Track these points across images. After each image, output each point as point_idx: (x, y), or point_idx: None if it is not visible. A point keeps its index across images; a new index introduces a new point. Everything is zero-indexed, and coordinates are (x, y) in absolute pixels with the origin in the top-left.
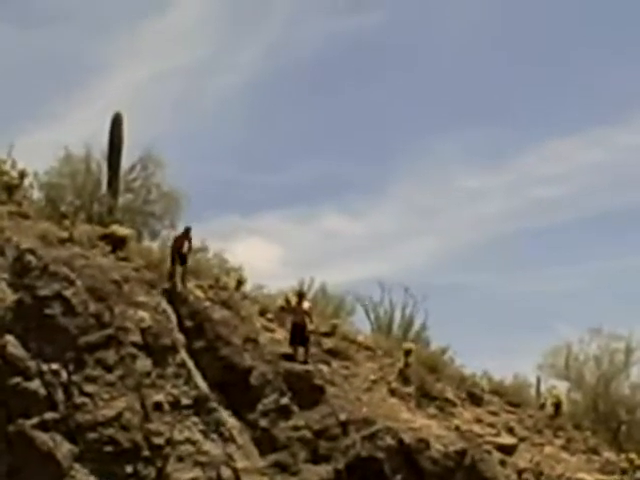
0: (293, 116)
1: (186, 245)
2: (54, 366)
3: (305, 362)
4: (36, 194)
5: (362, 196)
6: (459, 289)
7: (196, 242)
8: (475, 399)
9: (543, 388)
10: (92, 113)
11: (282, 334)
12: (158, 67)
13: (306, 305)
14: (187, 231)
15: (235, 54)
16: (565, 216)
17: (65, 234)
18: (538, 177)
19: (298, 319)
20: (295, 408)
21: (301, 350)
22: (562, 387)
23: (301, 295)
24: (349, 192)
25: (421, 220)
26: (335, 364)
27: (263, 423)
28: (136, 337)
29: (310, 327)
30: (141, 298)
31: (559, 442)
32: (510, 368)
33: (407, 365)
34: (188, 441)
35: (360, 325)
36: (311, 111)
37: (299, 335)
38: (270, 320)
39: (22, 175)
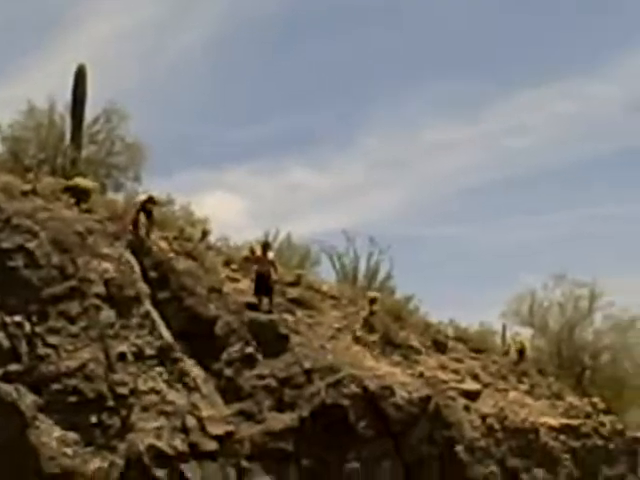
0: (259, 71)
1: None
2: (17, 318)
3: (269, 311)
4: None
5: (329, 149)
6: (425, 241)
7: (162, 195)
8: (439, 346)
9: (508, 335)
10: (57, 68)
11: (247, 284)
12: (123, 22)
13: (270, 255)
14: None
15: (202, 8)
16: (532, 167)
17: (28, 187)
18: (506, 128)
19: (262, 269)
20: (260, 357)
21: (265, 300)
22: (526, 334)
23: (265, 245)
24: (316, 145)
25: (388, 173)
26: (300, 313)
27: (228, 372)
28: (100, 288)
29: (274, 277)
30: (105, 250)
31: (523, 387)
32: (476, 318)
33: (372, 313)
34: (152, 391)
35: (325, 275)
36: (277, 66)
37: (263, 285)
38: (235, 270)
39: None
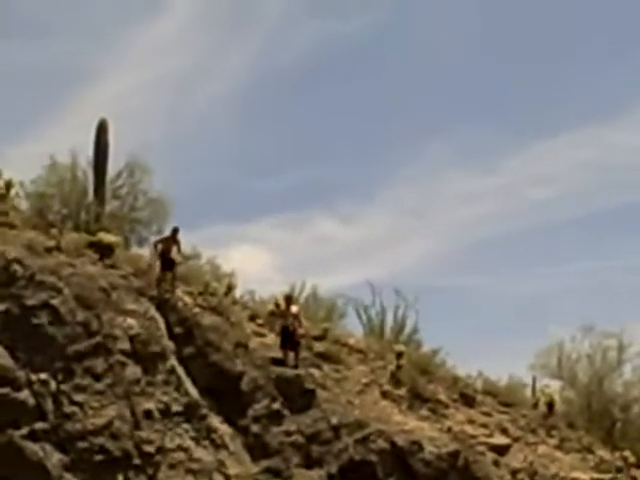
0: (282, 122)
1: (174, 249)
2: (43, 376)
3: (296, 366)
4: (23, 204)
5: (352, 200)
6: (450, 291)
7: (187, 249)
8: (468, 400)
9: (538, 388)
10: (79, 122)
11: (273, 339)
12: (147, 74)
13: (294, 309)
14: (174, 233)
15: (224, 60)
16: (555, 216)
17: (52, 243)
18: (528, 178)
19: (287, 323)
20: (287, 413)
21: (291, 354)
22: (555, 386)
23: (289, 299)
24: (339, 197)
25: (412, 223)
26: (326, 368)
27: (255, 429)
28: (125, 345)
29: (300, 331)
30: (129, 305)
31: (553, 441)
32: (504, 369)
33: (399, 367)
34: (179, 448)
35: (352, 328)
36: (300, 116)
37: (289, 339)
38: (260, 325)
39: (8, 185)
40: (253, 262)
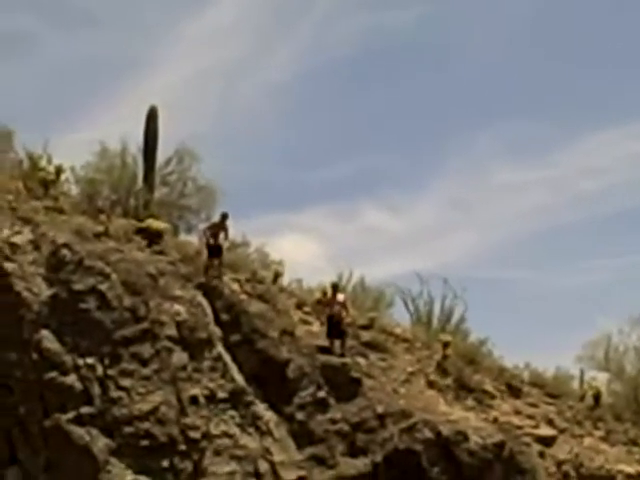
0: (332, 113)
1: (222, 235)
2: (90, 360)
3: (342, 355)
4: (74, 190)
5: (401, 191)
6: (499, 283)
7: (237, 237)
8: (514, 391)
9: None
10: (131, 110)
11: (319, 327)
12: (197, 65)
13: (341, 297)
14: (223, 218)
15: (273, 51)
16: (605, 209)
17: (101, 228)
18: (578, 171)
19: (333, 311)
20: (332, 401)
21: (338, 343)
22: (602, 378)
23: (335, 287)
24: (389, 187)
25: (461, 215)
26: (373, 356)
27: (300, 416)
28: (172, 331)
29: (347, 319)
30: (177, 292)
31: (599, 433)
32: (551, 361)
33: (445, 357)
34: (225, 435)
35: (399, 318)
36: (350, 107)
37: (335, 327)
38: (307, 313)
39: (59, 171)
40: (302, 251)
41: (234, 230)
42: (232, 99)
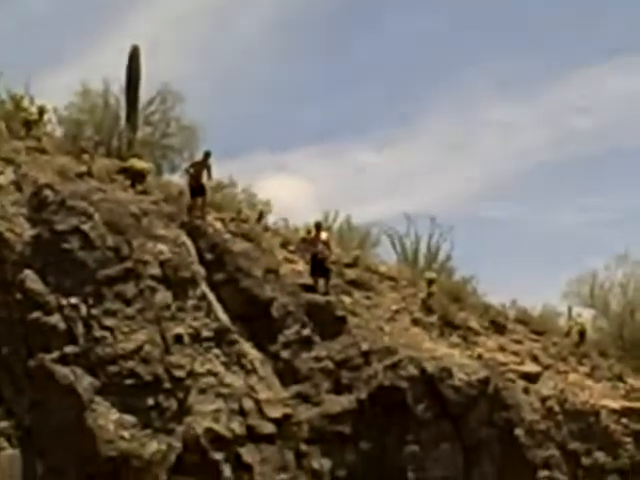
0: (321, 53)
1: (205, 174)
2: (73, 300)
3: (326, 293)
4: (57, 131)
5: (391, 131)
6: (488, 222)
7: (224, 177)
8: (499, 328)
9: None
10: (113, 51)
11: (304, 266)
12: (183, 6)
13: (324, 235)
14: (206, 156)
15: None
16: (598, 147)
17: (83, 169)
18: (570, 108)
19: (317, 250)
20: (317, 339)
21: (322, 281)
22: (588, 315)
23: (319, 226)
24: (377, 127)
25: (452, 154)
26: (357, 295)
27: (285, 354)
28: (155, 270)
29: (330, 258)
30: (160, 231)
31: (584, 369)
32: (538, 299)
33: (430, 295)
34: (209, 373)
35: (386, 257)
36: (339, 47)
37: (319, 266)
38: (292, 252)
39: (41, 111)
40: (291, 192)
41: (222, 170)
42: (220, 40)
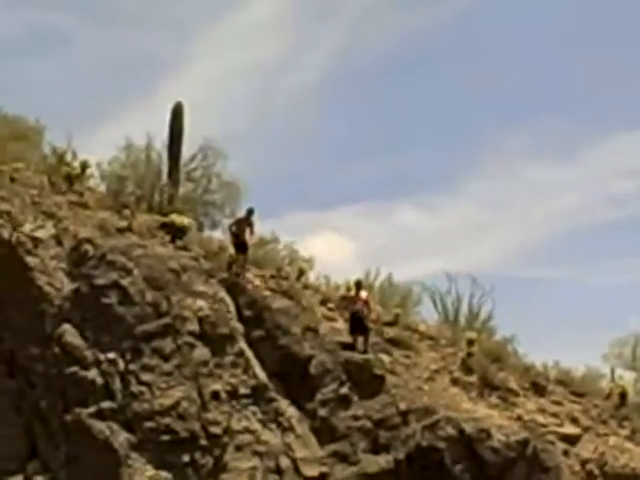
0: (365, 113)
1: (247, 231)
2: (111, 355)
3: (365, 351)
4: (101, 186)
5: (434, 191)
6: (530, 283)
7: (267, 234)
8: (539, 389)
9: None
10: (162, 107)
11: (343, 324)
12: (232, 63)
13: (364, 294)
14: (249, 214)
15: (308, 52)
16: (635, 210)
17: (124, 223)
18: (611, 170)
19: (356, 308)
20: (355, 397)
21: (361, 339)
22: (629, 377)
23: (359, 284)
24: (421, 187)
25: (494, 215)
26: (397, 353)
27: (322, 412)
28: (194, 326)
29: (370, 316)
30: (199, 287)
31: (624, 432)
32: (581, 361)
33: (470, 355)
34: (246, 430)
35: (427, 316)
36: (384, 107)
37: (358, 324)
38: (331, 310)
39: (84, 166)
40: (335, 250)
41: (265, 228)
42: (268, 98)
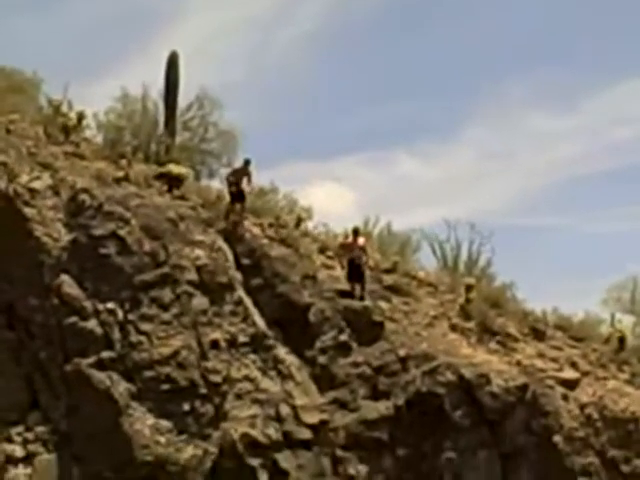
0: (362, 64)
1: (245, 180)
2: (110, 305)
3: (362, 298)
4: (97, 136)
5: (434, 139)
6: (530, 231)
7: (265, 184)
8: (538, 334)
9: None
10: (156, 59)
11: (342, 271)
12: (227, 17)
13: (361, 241)
14: (246, 164)
15: (304, 3)
16: (634, 158)
17: (121, 174)
18: (608, 119)
19: (353, 255)
20: (354, 344)
21: (358, 286)
22: (628, 321)
23: (356, 231)
24: (422, 136)
25: (493, 164)
26: (395, 300)
27: (321, 360)
28: (192, 275)
29: (367, 263)
30: (197, 236)
31: (623, 376)
32: (580, 306)
33: (468, 301)
34: (246, 379)
35: (426, 264)
36: (380, 58)
37: (355, 271)
38: (330, 257)
39: (80, 117)
40: (335, 199)
41: (265, 178)
42: (265, 49)
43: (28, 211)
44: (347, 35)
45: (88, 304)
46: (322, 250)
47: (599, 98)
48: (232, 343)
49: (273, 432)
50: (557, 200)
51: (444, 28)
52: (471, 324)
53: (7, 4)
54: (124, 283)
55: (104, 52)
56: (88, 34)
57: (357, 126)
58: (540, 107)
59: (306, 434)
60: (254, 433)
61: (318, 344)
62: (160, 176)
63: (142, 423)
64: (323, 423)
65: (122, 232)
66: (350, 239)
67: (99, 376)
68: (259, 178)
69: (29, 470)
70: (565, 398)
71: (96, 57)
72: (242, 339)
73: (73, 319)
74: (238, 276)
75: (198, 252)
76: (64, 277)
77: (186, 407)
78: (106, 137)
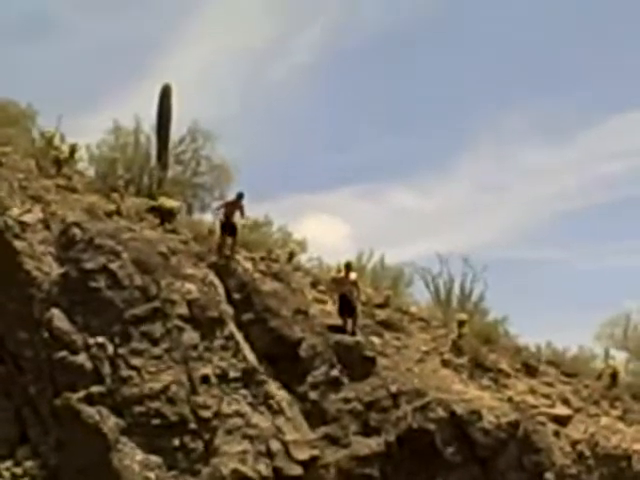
0: (358, 95)
1: (237, 214)
2: (100, 339)
3: (353, 333)
4: (89, 169)
5: (430, 172)
6: (525, 264)
7: (259, 216)
8: (530, 370)
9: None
10: (149, 91)
11: (333, 306)
12: (222, 46)
13: (353, 276)
14: (239, 198)
15: (300, 34)
16: (632, 192)
17: (112, 207)
18: (603, 153)
19: (345, 290)
20: (345, 380)
21: (350, 321)
22: (621, 357)
23: (348, 266)
24: (417, 169)
25: (489, 197)
26: (387, 335)
27: (313, 395)
28: (183, 310)
29: (359, 298)
30: (188, 270)
31: (615, 413)
32: (574, 342)
33: (460, 336)
34: (236, 414)
35: (419, 297)
36: (378, 89)
37: (346, 306)
38: (322, 292)
39: (72, 149)
40: (329, 232)
41: (258, 211)
42: (261, 80)
43: (18, 244)
44: (343, 66)
45: (78, 338)
46: (314, 284)
47: (594, 131)
48: (223, 378)
49: (263, 468)
50: (552, 233)
51: (440, 61)
52: (463, 360)
53: (2, 34)
54: (115, 317)
55: (97, 83)
56: (81, 65)
57: (352, 158)
58: (535, 140)
59: (297, 470)
60: (244, 469)
61: (309, 379)
62: (152, 209)
63: (131, 458)
64: (314, 459)
65: (113, 266)
66: (342, 274)
67: (89, 411)
68: (253, 211)
69: None
70: (557, 435)
71: (90, 89)
72: (233, 374)
73: (63, 353)
74: (229, 310)
75: (189, 286)
76: (54, 311)
77: (176, 442)
78: (98, 170)
